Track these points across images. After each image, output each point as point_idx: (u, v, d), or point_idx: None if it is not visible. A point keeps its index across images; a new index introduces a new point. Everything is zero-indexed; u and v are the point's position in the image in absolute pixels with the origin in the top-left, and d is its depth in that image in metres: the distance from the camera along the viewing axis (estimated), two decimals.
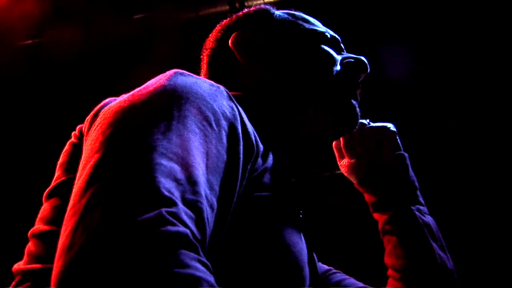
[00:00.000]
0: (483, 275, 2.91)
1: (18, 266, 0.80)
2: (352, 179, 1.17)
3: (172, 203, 0.60)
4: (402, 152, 1.15)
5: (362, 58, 1.04)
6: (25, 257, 0.81)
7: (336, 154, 1.20)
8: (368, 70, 1.03)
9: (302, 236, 0.86)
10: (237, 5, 2.61)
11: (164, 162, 0.63)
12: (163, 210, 0.58)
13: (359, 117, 1.03)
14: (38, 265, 0.77)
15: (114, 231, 0.56)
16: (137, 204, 0.58)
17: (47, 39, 2.80)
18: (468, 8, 2.88)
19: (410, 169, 1.14)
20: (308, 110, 0.99)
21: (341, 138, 1.17)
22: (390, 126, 1.15)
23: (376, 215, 1.14)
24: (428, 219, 1.10)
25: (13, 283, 0.79)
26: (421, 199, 1.13)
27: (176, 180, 0.63)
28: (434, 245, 1.06)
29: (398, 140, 1.16)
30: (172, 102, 0.70)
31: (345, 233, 3.03)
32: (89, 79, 2.88)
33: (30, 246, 0.81)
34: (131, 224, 0.56)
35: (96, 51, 2.86)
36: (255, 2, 2.89)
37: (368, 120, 1.16)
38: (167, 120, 0.67)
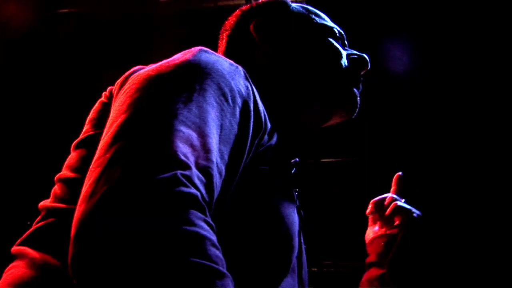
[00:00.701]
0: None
1: (44, 203, 0.85)
2: (369, 249, 1.14)
3: (187, 166, 0.64)
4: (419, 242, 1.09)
5: (365, 55, 1.10)
6: (51, 198, 0.86)
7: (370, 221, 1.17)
8: (369, 66, 1.09)
9: (295, 211, 0.91)
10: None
11: (183, 129, 0.68)
12: (179, 172, 0.62)
13: (358, 105, 1.09)
14: (62, 205, 0.82)
15: (133, 185, 0.60)
16: (156, 164, 0.63)
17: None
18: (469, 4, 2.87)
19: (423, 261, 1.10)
20: (313, 96, 1.06)
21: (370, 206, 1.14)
22: (416, 213, 1.10)
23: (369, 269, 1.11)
24: None
25: (39, 217, 0.84)
26: None
27: (192, 146, 0.67)
28: None
29: (421, 226, 1.10)
30: (195, 76, 0.75)
31: (335, 216, 3.06)
32: (113, 54, 2.90)
33: (56, 189, 0.86)
34: (149, 181, 0.61)
35: (120, 29, 2.89)
36: None
37: (404, 200, 1.12)
38: (189, 92, 0.72)
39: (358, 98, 1.09)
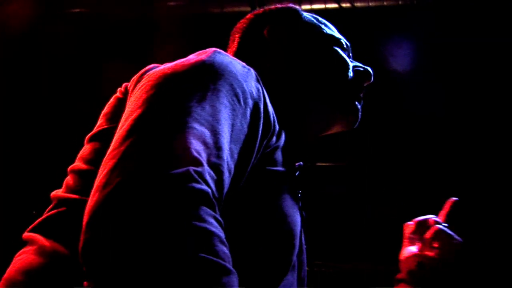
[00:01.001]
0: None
1: (56, 193, 0.86)
2: (402, 266, 1.10)
3: (199, 163, 0.65)
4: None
5: (369, 68, 1.13)
6: (63, 188, 0.86)
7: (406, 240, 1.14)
8: (372, 79, 1.11)
9: (298, 211, 0.93)
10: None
11: (197, 126, 0.68)
12: (191, 168, 0.63)
13: (359, 118, 1.11)
14: (74, 196, 0.82)
15: (147, 178, 0.61)
16: (169, 158, 0.63)
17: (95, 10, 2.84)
18: None
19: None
20: (319, 103, 1.08)
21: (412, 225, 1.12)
22: (457, 239, 1.06)
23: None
24: None
25: (50, 206, 0.85)
26: None
27: (205, 144, 0.68)
28: None
29: (459, 254, 1.06)
30: (209, 76, 0.76)
31: (335, 217, 3.06)
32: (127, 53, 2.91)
33: (68, 180, 0.87)
34: (162, 175, 0.61)
35: (125, 31, 2.90)
36: (315, 6, 2.97)
37: (446, 225, 1.09)
38: (203, 91, 0.73)
39: (360, 110, 1.11)
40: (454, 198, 1.11)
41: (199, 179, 0.63)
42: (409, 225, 1.11)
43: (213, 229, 0.60)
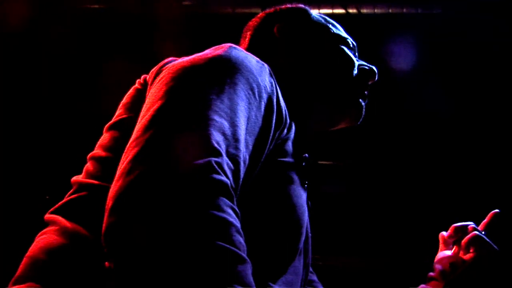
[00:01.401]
0: None
1: (77, 178, 0.88)
2: (435, 266, 1.12)
3: (219, 153, 0.67)
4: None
5: (374, 67, 1.15)
6: (83, 174, 0.88)
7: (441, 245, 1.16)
8: (377, 78, 1.13)
9: (305, 201, 0.95)
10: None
11: (216, 118, 0.70)
12: (212, 159, 0.65)
13: (363, 114, 1.14)
14: (94, 181, 0.84)
15: (169, 167, 0.63)
16: (191, 148, 0.65)
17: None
18: None
19: None
20: (326, 98, 1.11)
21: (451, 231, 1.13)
22: (494, 247, 1.06)
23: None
24: None
25: (71, 190, 0.87)
26: None
27: (224, 135, 0.70)
28: None
29: (494, 262, 1.07)
30: (226, 70, 0.79)
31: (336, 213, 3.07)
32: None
33: (88, 166, 0.88)
34: (185, 165, 0.63)
35: (141, 29, 2.92)
36: (323, 10, 2.99)
37: (484, 233, 1.10)
38: (221, 84, 0.76)
39: (364, 107, 1.13)
40: (497, 210, 1.12)
41: (219, 170, 0.65)
42: (444, 233, 1.13)
43: (231, 219, 0.62)
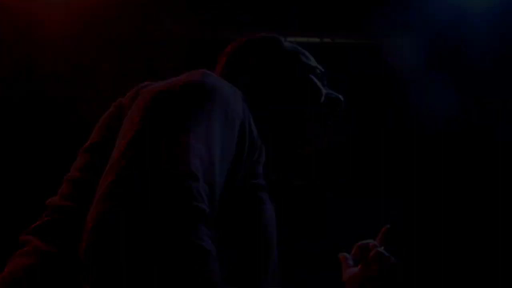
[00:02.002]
0: None
1: (52, 200, 0.88)
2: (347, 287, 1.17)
3: (196, 178, 0.67)
4: None
5: (340, 96, 1.19)
6: (58, 196, 0.88)
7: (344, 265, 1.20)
8: (343, 106, 1.15)
9: (274, 221, 0.96)
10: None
11: (193, 142, 0.71)
12: (191, 184, 0.66)
13: (326, 142, 1.17)
14: (68, 203, 0.84)
15: (150, 192, 0.63)
16: (171, 172, 0.66)
17: None
18: None
19: None
20: (293, 123, 1.14)
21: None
22: (393, 260, 1.10)
23: None
24: None
25: (46, 212, 0.86)
26: None
27: (201, 159, 0.70)
28: None
29: (396, 273, 1.11)
30: (201, 96, 0.80)
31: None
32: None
33: (63, 188, 0.89)
34: (165, 190, 0.63)
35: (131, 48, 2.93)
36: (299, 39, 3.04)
37: (383, 248, 1.14)
38: (197, 110, 0.77)
39: (327, 136, 1.17)
40: (388, 225, 1.19)
41: (198, 197, 0.65)
42: (345, 254, 1.19)
43: (209, 248, 0.63)
